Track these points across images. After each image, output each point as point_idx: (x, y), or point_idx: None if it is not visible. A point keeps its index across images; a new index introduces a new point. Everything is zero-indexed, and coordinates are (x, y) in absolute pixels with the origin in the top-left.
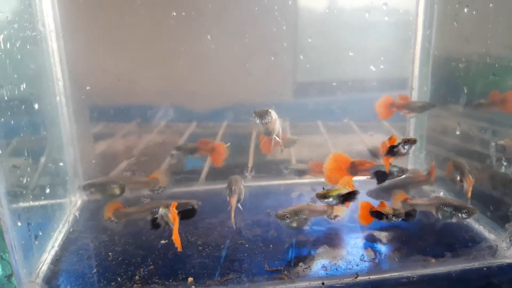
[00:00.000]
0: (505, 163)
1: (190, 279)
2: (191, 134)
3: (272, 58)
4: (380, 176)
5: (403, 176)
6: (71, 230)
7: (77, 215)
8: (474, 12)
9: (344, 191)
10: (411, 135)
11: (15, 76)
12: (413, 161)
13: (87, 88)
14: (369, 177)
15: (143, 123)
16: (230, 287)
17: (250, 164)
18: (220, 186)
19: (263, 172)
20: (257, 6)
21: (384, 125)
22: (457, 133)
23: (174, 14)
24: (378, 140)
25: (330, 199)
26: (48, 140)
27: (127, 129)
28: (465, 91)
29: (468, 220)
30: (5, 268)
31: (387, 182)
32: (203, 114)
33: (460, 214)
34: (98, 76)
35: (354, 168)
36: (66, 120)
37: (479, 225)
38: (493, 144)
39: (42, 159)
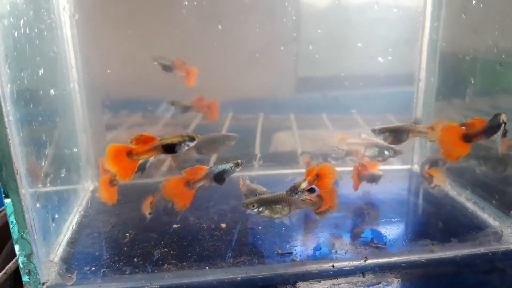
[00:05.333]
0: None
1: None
2: (197, 125)
3: (282, 48)
4: None
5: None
6: (85, 214)
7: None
8: (481, 5)
9: (305, 185)
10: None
11: (35, 60)
12: (418, 152)
13: (108, 71)
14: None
15: (151, 114)
16: (242, 269)
17: (258, 154)
18: None
19: (271, 161)
20: None
21: (390, 118)
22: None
23: (186, 3)
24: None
25: (299, 193)
26: (62, 126)
27: (135, 119)
28: (472, 82)
29: (473, 208)
30: (25, 247)
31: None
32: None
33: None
34: (111, 64)
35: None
36: (79, 107)
37: (484, 213)
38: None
39: (58, 145)
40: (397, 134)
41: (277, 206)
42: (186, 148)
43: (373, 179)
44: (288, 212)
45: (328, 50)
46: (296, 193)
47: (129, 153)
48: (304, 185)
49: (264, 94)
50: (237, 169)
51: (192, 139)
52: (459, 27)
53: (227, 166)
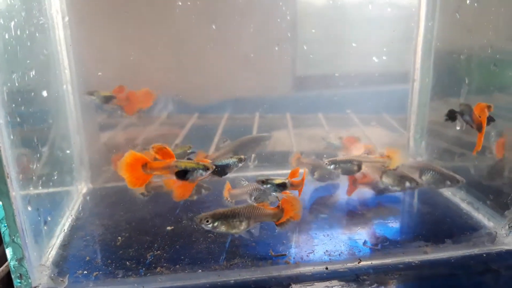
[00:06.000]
0: None
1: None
2: (193, 125)
3: (276, 48)
4: None
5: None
6: (78, 216)
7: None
8: (476, 4)
9: (278, 181)
10: (412, 127)
11: (26, 62)
12: (413, 151)
13: (99, 74)
14: None
15: (147, 114)
16: (236, 272)
17: (253, 154)
18: None
19: (266, 161)
20: None
21: (385, 118)
22: (458, 128)
23: (180, 3)
24: (379, 132)
25: (269, 186)
26: (55, 128)
27: (130, 120)
28: (467, 82)
29: (468, 208)
30: (16, 251)
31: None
32: (205, 106)
33: None
34: (103, 65)
35: None
36: (73, 109)
37: (478, 213)
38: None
39: (50, 147)
40: (347, 166)
41: (234, 220)
42: (199, 176)
43: (374, 188)
44: (247, 226)
45: (323, 49)
46: (264, 183)
47: (145, 166)
48: (279, 181)
49: (259, 94)
50: (239, 165)
51: (206, 168)
52: (453, 27)
53: (230, 160)
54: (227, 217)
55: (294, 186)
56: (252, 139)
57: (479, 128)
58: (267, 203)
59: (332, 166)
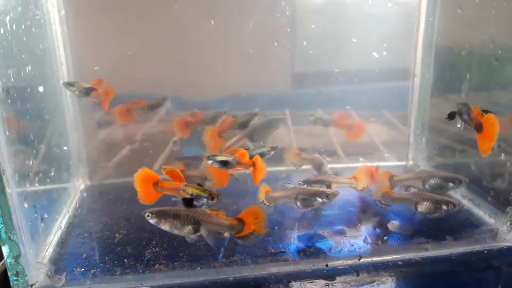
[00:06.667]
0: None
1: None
2: None
3: (275, 44)
4: None
5: None
6: (75, 213)
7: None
8: None
9: (221, 158)
10: (413, 124)
11: (22, 57)
12: (414, 148)
13: (96, 68)
14: None
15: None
16: (235, 269)
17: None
18: None
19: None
20: None
21: (385, 115)
22: (458, 125)
23: None
24: (379, 128)
25: (211, 162)
26: (52, 124)
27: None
28: (468, 78)
29: (469, 205)
30: (13, 248)
31: None
32: (203, 102)
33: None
34: (100, 61)
35: None
36: (70, 105)
37: (479, 210)
38: None
39: (47, 143)
40: (318, 186)
41: (176, 221)
42: (204, 204)
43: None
44: (194, 232)
45: (323, 45)
46: (209, 159)
47: (155, 184)
48: (221, 158)
49: (259, 90)
50: (272, 153)
51: (212, 197)
52: (454, 22)
53: (264, 149)
54: (170, 216)
55: (242, 165)
56: (266, 123)
57: (478, 128)
58: (221, 212)
59: (304, 186)
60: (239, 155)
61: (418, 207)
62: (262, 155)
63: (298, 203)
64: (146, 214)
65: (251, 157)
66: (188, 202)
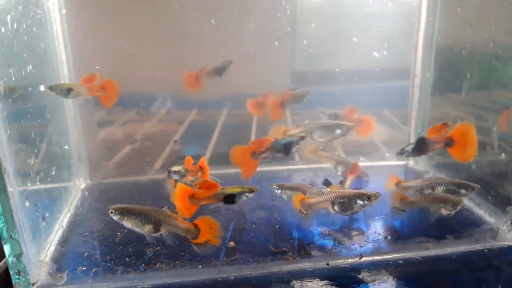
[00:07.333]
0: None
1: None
2: (192, 121)
3: (276, 43)
4: None
5: None
6: (76, 212)
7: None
8: None
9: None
10: (413, 123)
11: (23, 56)
12: None
13: (96, 67)
14: None
15: (145, 110)
16: (236, 267)
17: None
18: (223, 171)
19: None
20: None
21: (385, 114)
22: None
23: None
24: (379, 128)
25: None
26: (53, 123)
27: (129, 116)
28: (468, 77)
29: (469, 204)
30: (14, 247)
31: None
32: (204, 102)
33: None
34: (101, 60)
35: None
36: (71, 104)
37: (480, 209)
38: (494, 129)
39: (48, 142)
40: (292, 193)
41: (136, 219)
42: (245, 198)
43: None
44: (154, 231)
45: (323, 45)
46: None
47: (192, 197)
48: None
49: (259, 89)
50: (301, 142)
51: (251, 191)
52: (455, 22)
53: (293, 138)
54: (132, 214)
55: (191, 172)
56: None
57: (449, 144)
58: (180, 217)
59: (279, 192)
60: (186, 162)
61: (438, 210)
62: (291, 144)
63: (336, 208)
64: (110, 211)
65: (280, 145)
66: (230, 200)
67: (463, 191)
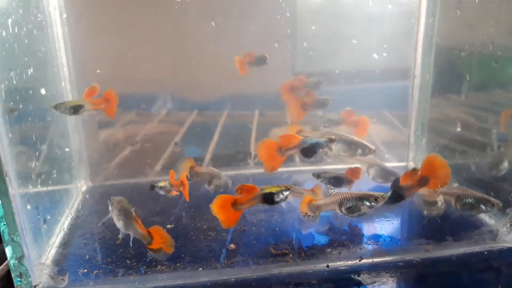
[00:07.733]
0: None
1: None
2: (192, 122)
3: (276, 45)
4: None
5: None
6: (77, 215)
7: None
8: (476, 0)
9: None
10: (413, 124)
11: (24, 60)
12: (414, 148)
13: (97, 71)
14: None
15: (146, 112)
16: (236, 270)
17: (253, 151)
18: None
19: None
20: None
21: (385, 115)
22: (458, 129)
23: (179, 0)
24: (379, 129)
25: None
26: (54, 126)
27: (129, 117)
28: (468, 79)
29: None
30: (16, 250)
31: None
32: (204, 103)
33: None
34: (102, 63)
35: None
36: None
37: None
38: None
39: (49, 145)
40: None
41: (114, 214)
42: (282, 197)
43: None
44: (125, 229)
45: (323, 46)
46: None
47: (234, 203)
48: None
49: (259, 91)
50: (329, 144)
51: (287, 189)
52: (454, 23)
53: (321, 139)
54: (116, 208)
55: (174, 186)
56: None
57: (424, 183)
58: (139, 221)
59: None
60: (170, 176)
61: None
62: (318, 145)
63: (343, 209)
64: (109, 200)
65: (306, 144)
66: (269, 199)
67: (483, 207)
